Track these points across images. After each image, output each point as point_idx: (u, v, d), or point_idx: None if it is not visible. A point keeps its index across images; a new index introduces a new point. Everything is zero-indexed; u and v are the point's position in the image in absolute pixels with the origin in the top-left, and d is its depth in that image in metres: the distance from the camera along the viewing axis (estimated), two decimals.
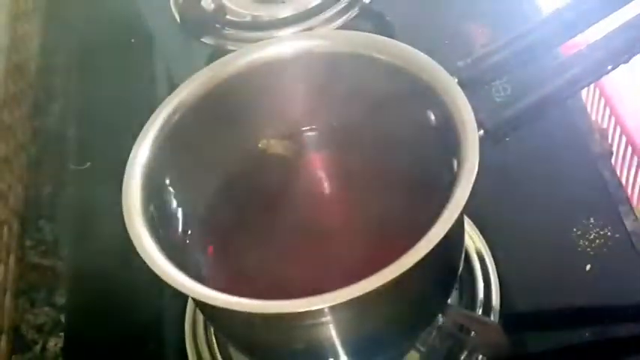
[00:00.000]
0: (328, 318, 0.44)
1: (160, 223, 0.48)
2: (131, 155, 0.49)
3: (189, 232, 0.53)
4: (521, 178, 0.66)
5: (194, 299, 0.47)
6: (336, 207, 0.57)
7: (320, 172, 0.58)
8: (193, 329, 0.60)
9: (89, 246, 0.68)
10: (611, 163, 0.67)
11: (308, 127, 0.57)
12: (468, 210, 0.45)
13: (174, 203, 0.52)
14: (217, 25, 0.79)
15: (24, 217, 0.71)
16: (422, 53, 0.50)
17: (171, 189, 0.51)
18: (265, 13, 0.80)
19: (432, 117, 0.49)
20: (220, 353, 0.59)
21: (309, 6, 0.79)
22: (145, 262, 0.44)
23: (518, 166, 0.67)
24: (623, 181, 0.89)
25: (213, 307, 0.44)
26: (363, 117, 0.54)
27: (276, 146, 0.54)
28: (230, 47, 0.77)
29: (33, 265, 0.68)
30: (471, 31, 0.78)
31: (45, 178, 0.74)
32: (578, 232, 0.62)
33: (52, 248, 0.69)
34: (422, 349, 0.56)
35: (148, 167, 0.49)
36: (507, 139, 0.66)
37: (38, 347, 0.63)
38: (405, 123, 0.51)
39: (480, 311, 0.58)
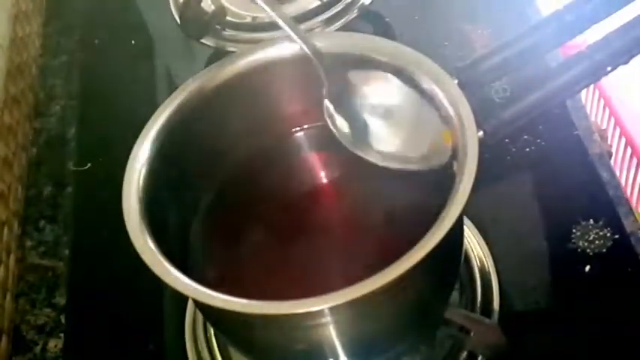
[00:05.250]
0: (328, 319, 0.44)
1: (160, 223, 0.48)
2: (131, 156, 0.49)
3: (190, 232, 0.53)
4: (521, 178, 0.66)
5: (194, 300, 0.47)
6: (335, 207, 0.57)
7: (320, 172, 0.58)
8: (193, 330, 0.60)
9: (89, 247, 0.69)
10: (610, 164, 0.67)
11: (307, 127, 0.57)
12: (468, 211, 0.45)
13: (175, 203, 0.52)
14: (217, 27, 0.79)
15: (24, 217, 0.72)
16: (422, 54, 0.50)
17: (171, 189, 0.51)
18: (265, 14, 0.80)
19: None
20: (220, 354, 0.59)
21: (309, 7, 0.79)
22: (145, 263, 0.44)
23: (517, 167, 0.67)
24: (623, 181, 0.89)
25: (212, 308, 0.44)
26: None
27: None
28: (230, 48, 0.77)
29: (33, 266, 0.68)
30: (471, 32, 0.78)
31: (45, 179, 0.74)
32: (578, 233, 0.62)
33: (53, 249, 0.69)
34: (421, 349, 0.56)
35: (148, 168, 0.49)
36: (507, 140, 0.67)
37: (38, 348, 0.63)
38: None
39: (479, 312, 0.58)
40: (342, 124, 0.50)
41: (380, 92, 0.51)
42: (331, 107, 0.50)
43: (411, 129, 0.50)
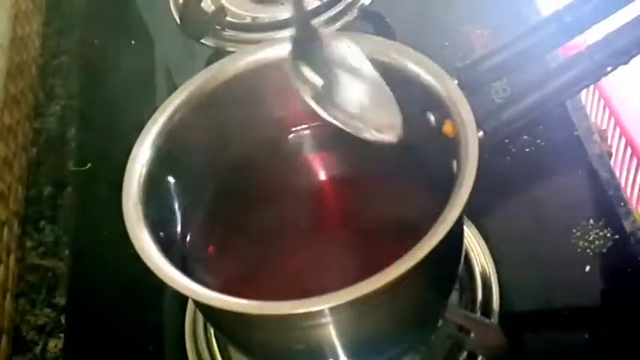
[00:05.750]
0: (328, 319, 0.44)
1: (160, 224, 0.48)
2: (131, 156, 0.49)
3: (189, 232, 0.53)
4: (521, 179, 0.66)
5: (194, 300, 0.47)
6: (335, 207, 0.57)
7: (320, 172, 0.58)
8: (193, 330, 0.60)
9: (89, 247, 0.69)
10: (610, 164, 0.67)
11: (307, 127, 0.57)
12: (468, 211, 0.45)
13: (175, 204, 0.52)
14: (217, 27, 0.79)
15: (24, 217, 0.71)
16: (422, 55, 0.50)
17: (171, 190, 0.51)
18: (265, 14, 0.80)
19: (432, 118, 0.49)
20: (220, 354, 0.59)
21: (309, 8, 0.79)
22: (145, 263, 0.44)
23: (517, 167, 0.67)
24: (623, 182, 0.89)
25: (213, 308, 0.44)
26: None
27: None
28: (230, 49, 0.77)
29: (33, 266, 0.68)
30: (471, 32, 0.78)
31: (45, 179, 0.74)
32: (578, 234, 0.62)
33: (53, 249, 0.69)
34: (421, 349, 0.56)
35: (148, 168, 0.49)
36: (507, 140, 0.67)
37: (38, 348, 0.63)
38: (404, 124, 0.51)
39: (479, 312, 0.58)
40: (304, 78, 0.49)
41: (346, 57, 0.50)
42: (297, 59, 0.49)
43: (368, 98, 0.49)
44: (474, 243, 0.61)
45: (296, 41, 0.49)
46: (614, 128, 0.91)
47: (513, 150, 0.67)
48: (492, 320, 0.57)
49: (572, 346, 0.57)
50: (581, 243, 0.61)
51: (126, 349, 0.62)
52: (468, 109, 0.46)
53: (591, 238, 0.61)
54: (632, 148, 0.89)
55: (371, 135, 0.48)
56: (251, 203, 0.55)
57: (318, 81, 0.49)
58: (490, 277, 0.60)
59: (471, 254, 0.61)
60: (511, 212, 0.64)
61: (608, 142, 0.90)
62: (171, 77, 0.82)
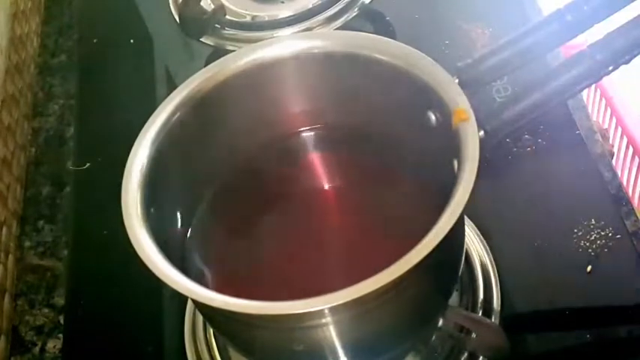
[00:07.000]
0: (328, 319, 0.44)
1: (159, 223, 0.48)
2: (130, 156, 0.49)
3: (189, 232, 0.53)
4: (522, 178, 0.66)
5: (193, 300, 0.47)
6: (336, 208, 0.57)
7: (320, 172, 0.58)
8: (193, 331, 0.60)
9: (88, 247, 0.69)
10: (612, 164, 0.67)
11: (307, 128, 0.57)
12: (469, 211, 0.45)
13: (174, 204, 0.52)
14: (217, 26, 0.79)
15: (23, 217, 0.71)
16: (422, 54, 0.50)
17: (170, 189, 0.51)
18: (265, 13, 0.80)
19: (433, 117, 0.49)
20: (220, 354, 0.59)
21: (309, 6, 0.79)
22: (144, 264, 0.44)
23: (518, 167, 0.67)
24: (624, 181, 0.89)
25: (212, 309, 0.44)
26: (362, 117, 0.54)
27: None
28: (230, 47, 0.78)
29: (32, 266, 0.68)
30: (471, 31, 0.78)
31: (44, 179, 0.74)
32: (579, 233, 0.62)
33: (51, 249, 0.69)
34: (422, 350, 0.56)
35: (147, 168, 0.49)
36: (508, 139, 0.67)
37: (37, 349, 0.63)
38: (405, 123, 0.51)
39: (480, 312, 0.58)
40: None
41: None
42: None
43: None
44: (474, 243, 0.61)
45: None
46: (616, 128, 0.92)
47: (514, 149, 0.67)
48: (493, 320, 0.57)
49: (574, 347, 0.57)
50: (582, 243, 0.61)
51: (125, 350, 0.62)
52: (468, 109, 0.46)
53: (593, 237, 0.61)
54: (634, 147, 0.89)
55: None
56: (251, 203, 0.55)
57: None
58: (491, 277, 0.59)
59: (472, 254, 0.61)
60: (512, 212, 0.64)
61: (610, 142, 0.90)
62: (171, 76, 0.82)
